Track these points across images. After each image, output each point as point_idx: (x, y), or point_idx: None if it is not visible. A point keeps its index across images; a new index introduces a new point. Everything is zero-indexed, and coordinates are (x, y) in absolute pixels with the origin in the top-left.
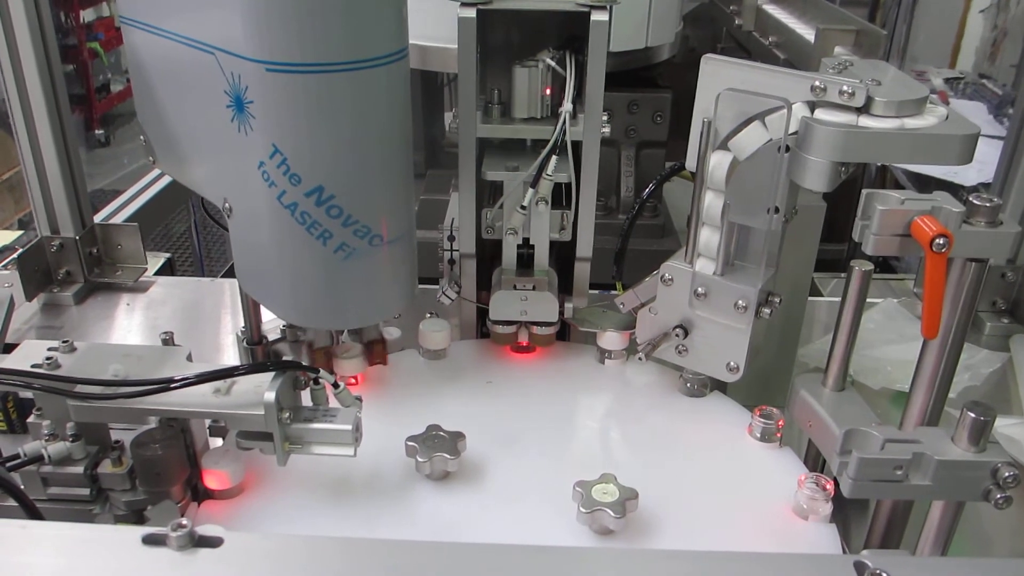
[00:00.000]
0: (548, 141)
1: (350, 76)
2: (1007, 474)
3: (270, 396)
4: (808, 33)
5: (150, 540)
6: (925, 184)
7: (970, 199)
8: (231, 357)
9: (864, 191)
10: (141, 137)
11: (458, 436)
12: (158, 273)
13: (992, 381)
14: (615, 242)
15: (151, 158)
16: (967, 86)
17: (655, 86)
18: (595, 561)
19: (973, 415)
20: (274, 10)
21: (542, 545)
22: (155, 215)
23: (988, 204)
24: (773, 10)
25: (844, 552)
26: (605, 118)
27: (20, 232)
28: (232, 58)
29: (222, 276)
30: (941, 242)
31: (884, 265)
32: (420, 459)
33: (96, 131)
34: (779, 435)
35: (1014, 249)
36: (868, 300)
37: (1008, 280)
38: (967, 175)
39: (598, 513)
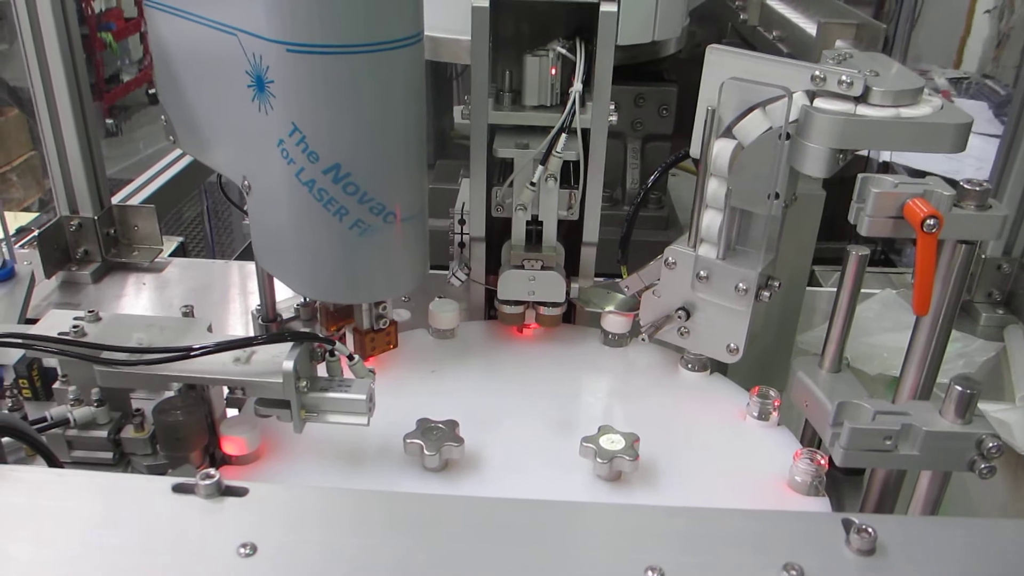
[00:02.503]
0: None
1: (368, 58)
2: (991, 444)
3: (288, 365)
4: (810, 27)
5: (179, 488)
6: None
7: (961, 183)
8: (242, 332)
9: (860, 175)
10: (162, 117)
11: (453, 424)
12: (172, 256)
13: (986, 369)
14: (620, 232)
15: (171, 138)
16: (971, 86)
17: (661, 80)
18: (597, 515)
19: (960, 388)
20: None
21: (545, 500)
22: (169, 199)
23: (978, 188)
24: (777, 5)
25: None
26: (612, 107)
27: (37, 214)
28: (253, 39)
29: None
30: (932, 223)
31: (884, 260)
32: (428, 452)
33: (107, 120)
34: (775, 414)
35: (1004, 233)
36: (867, 291)
37: (1004, 272)
38: (965, 172)
39: (616, 460)
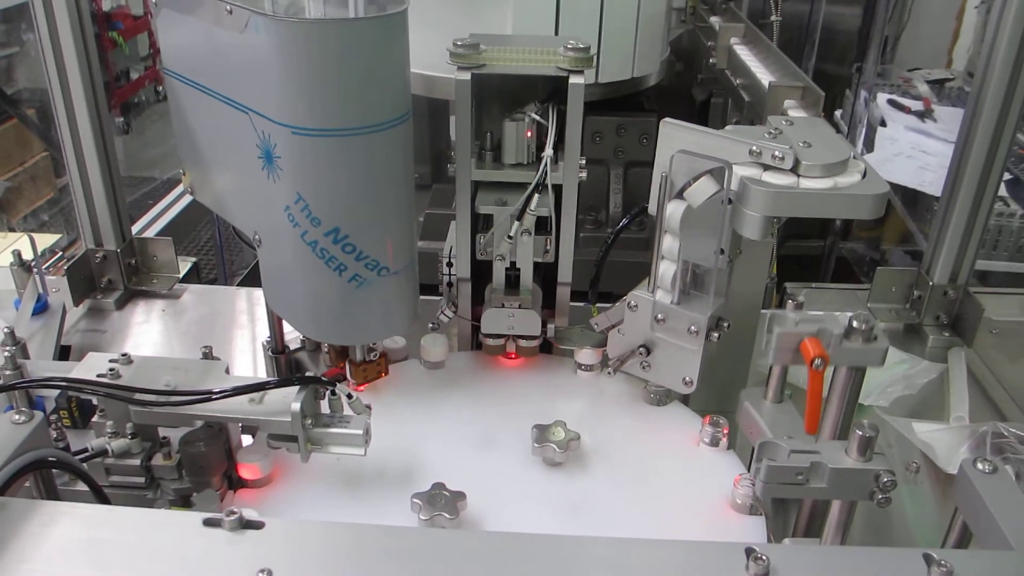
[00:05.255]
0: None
1: (363, 139)
2: (886, 479)
3: (296, 406)
4: (767, 80)
5: (209, 523)
6: (902, 192)
7: (851, 320)
8: (250, 355)
9: (767, 312)
10: (181, 171)
11: (459, 496)
12: (186, 276)
13: (928, 390)
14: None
15: (190, 190)
16: (951, 90)
17: (642, 110)
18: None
19: (860, 433)
20: (302, 86)
21: (514, 532)
22: (187, 224)
23: (864, 326)
24: (742, 52)
25: (769, 540)
26: (582, 162)
27: (59, 235)
28: (263, 119)
29: (241, 280)
30: (818, 362)
31: (849, 275)
32: (422, 517)
33: (117, 119)
34: (724, 440)
35: (880, 359)
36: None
37: (950, 297)
38: (937, 185)
39: (547, 447)
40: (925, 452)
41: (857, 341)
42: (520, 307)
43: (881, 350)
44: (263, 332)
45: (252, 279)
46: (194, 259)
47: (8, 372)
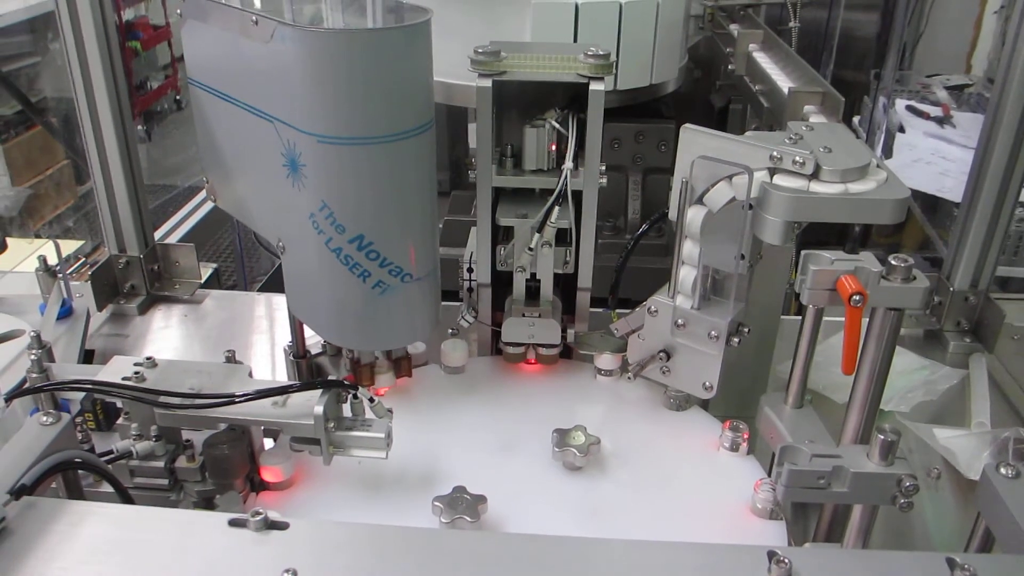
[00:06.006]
0: (554, 190)
1: (387, 147)
2: (908, 484)
3: (319, 409)
4: (786, 87)
5: (234, 523)
6: (921, 199)
7: (889, 260)
8: (268, 360)
9: (803, 252)
10: (204, 179)
11: (480, 499)
12: (207, 282)
13: (949, 396)
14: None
15: (213, 198)
16: (970, 96)
17: (660, 116)
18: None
19: (882, 437)
20: (328, 95)
21: (534, 534)
22: (206, 232)
23: (903, 264)
24: (761, 58)
25: (789, 544)
26: (602, 169)
27: (82, 242)
28: (288, 128)
29: (261, 286)
30: (857, 298)
31: None
32: (443, 520)
33: (138, 128)
34: (744, 444)
35: (926, 300)
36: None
37: (970, 303)
38: (957, 191)
39: (567, 451)
40: (946, 458)
41: (896, 280)
42: (540, 316)
43: (920, 290)
44: (281, 337)
45: (271, 285)
46: (215, 265)
47: (35, 375)
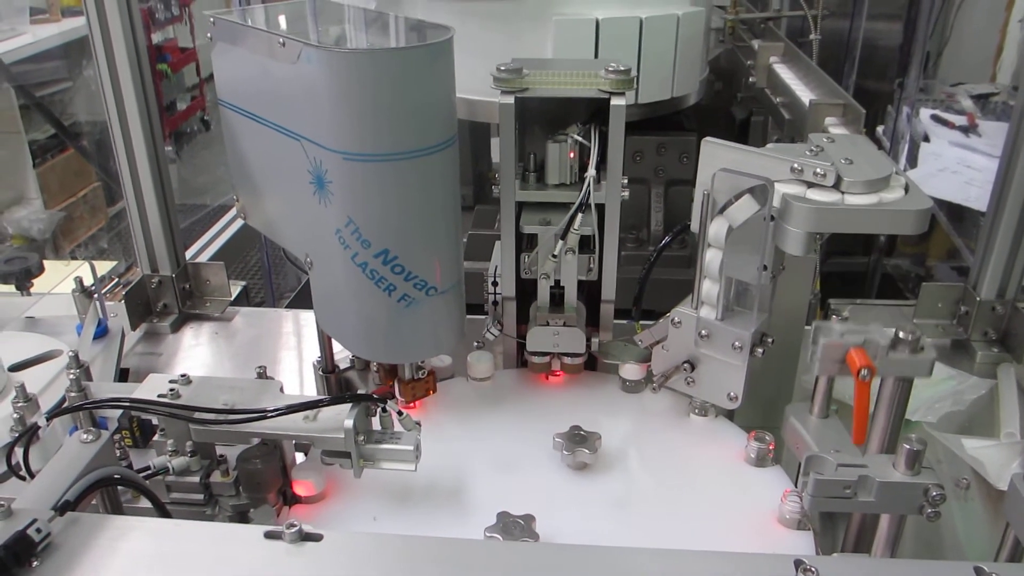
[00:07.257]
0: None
1: (412, 163)
2: (935, 493)
3: (349, 423)
4: (807, 98)
5: (270, 535)
6: (947, 208)
7: (897, 331)
8: (297, 375)
9: (813, 323)
10: (234, 197)
11: (529, 518)
12: (236, 300)
13: (978, 406)
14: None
15: (243, 216)
16: (996, 105)
17: (682, 129)
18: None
19: (908, 446)
20: (353, 113)
21: (564, 544)
22: (234, 251)
23: (911, 336)
24: (781, 70)
25: (816, 554)
26: (624, 181)
27: (115, 262)
28: (315, 146)
29: (289, 302)
30: (865, 373)
31: (894, 291)
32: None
33: (166, 148)
34: (771, 455)
35: (928, 370)
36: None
37: (998, 313)
38: (983, 200)
39: (577, 451)
40: (975, 468)
41: (904, 352)
42: (565, 325)
43: (928, 361)
44: (309, 352)
45: (299, 301)
46: (244, 283)
47: (74, 394)
